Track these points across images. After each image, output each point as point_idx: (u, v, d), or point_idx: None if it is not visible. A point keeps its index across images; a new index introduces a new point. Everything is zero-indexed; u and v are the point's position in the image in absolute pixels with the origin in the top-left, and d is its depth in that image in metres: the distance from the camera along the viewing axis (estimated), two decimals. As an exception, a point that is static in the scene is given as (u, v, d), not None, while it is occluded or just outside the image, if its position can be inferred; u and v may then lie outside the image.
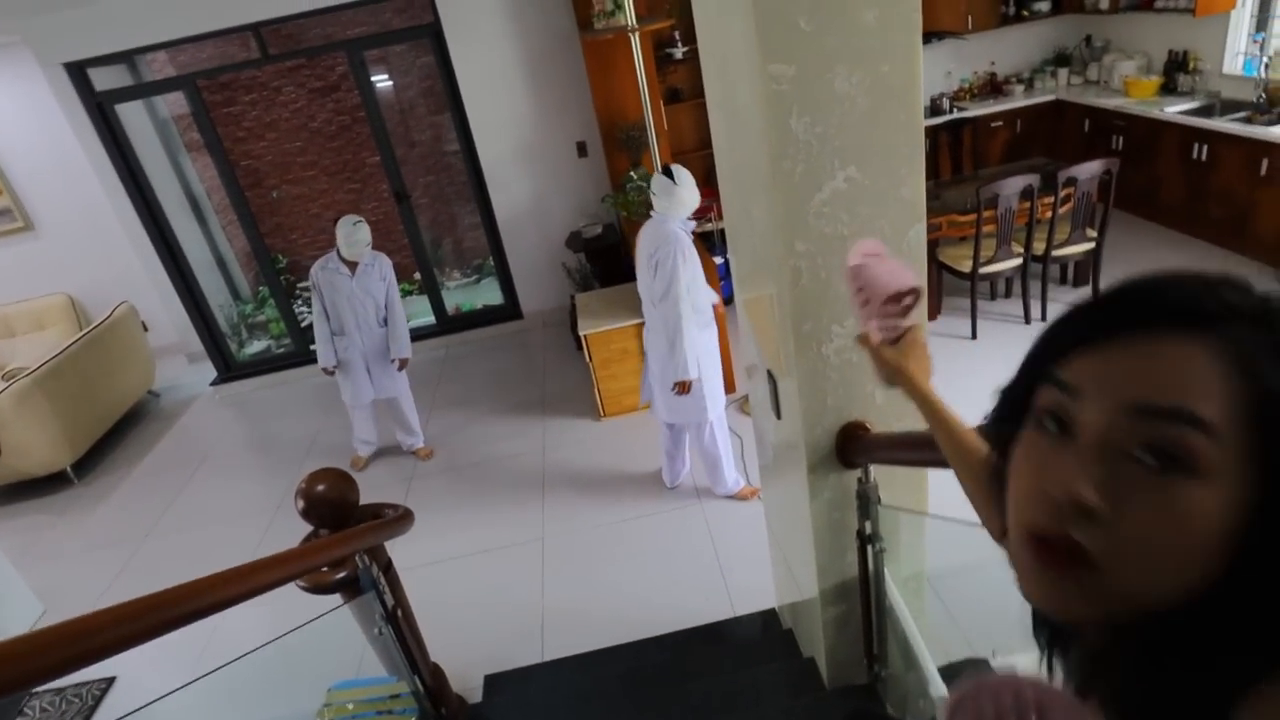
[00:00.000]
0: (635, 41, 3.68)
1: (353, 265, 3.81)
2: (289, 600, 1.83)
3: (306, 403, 5.25)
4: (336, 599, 2.21)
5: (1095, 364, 0.46)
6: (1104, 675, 0.49)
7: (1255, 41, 4.66)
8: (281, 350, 5.78)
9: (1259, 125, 4.30)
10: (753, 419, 2.50)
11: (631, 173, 4.56)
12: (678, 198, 3.06)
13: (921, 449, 1.34)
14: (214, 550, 3.80)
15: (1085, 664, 0.52)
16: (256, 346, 5.97)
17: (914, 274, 1.03)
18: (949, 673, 1.57)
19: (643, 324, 4.01)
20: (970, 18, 5.76)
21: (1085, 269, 4.48)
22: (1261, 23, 4.62)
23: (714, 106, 1.82)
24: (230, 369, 5.62)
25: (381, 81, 6.33)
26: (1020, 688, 0.54)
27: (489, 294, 6.01)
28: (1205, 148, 4.59)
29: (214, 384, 5.57)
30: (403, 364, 4.05)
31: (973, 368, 3.97)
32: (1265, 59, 4.56)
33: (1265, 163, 4.20)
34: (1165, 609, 0.44)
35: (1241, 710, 0.41)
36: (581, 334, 4.07)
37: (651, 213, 3.18)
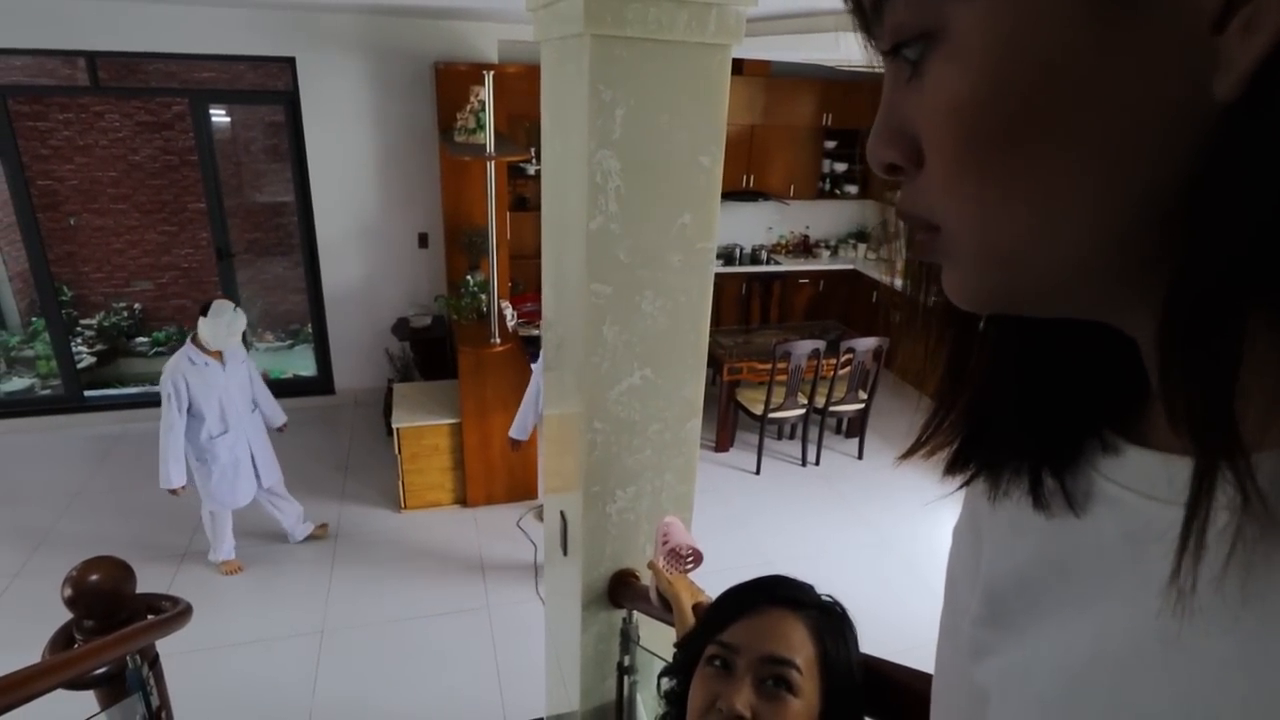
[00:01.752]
0: (490, 168, 3.99)
1: (216, 355, 3.46)
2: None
3: (71, 455, 4.76)
4: (84, 697, 2.10)
5: (745, 629, 0.81)
6: None
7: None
8: (48, 391, 5.20)
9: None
10: (544, 544, 2.74)
11: (469, 276, 4.79)
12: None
13: (669, 613, 1.66)
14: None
15: None
16: (17, 384, 5.33)
17: (699, 545, 1.51)
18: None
19: (456, 425, 4.19)
20: (793, 186, 6.75)
21: (856, 423, 5.25)
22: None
23: (547, 268, 2.12)
24: (-25, 405, 4.97)
25: (221, 128, 6.14)
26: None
27: (301, 363, 5.85)
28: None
29: (-51, 420, 4.89)
30: (283, 428, 3.88)
31: (754, 500, 4.49)
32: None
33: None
34: None
35: None
36: (395, 425, 4.13)
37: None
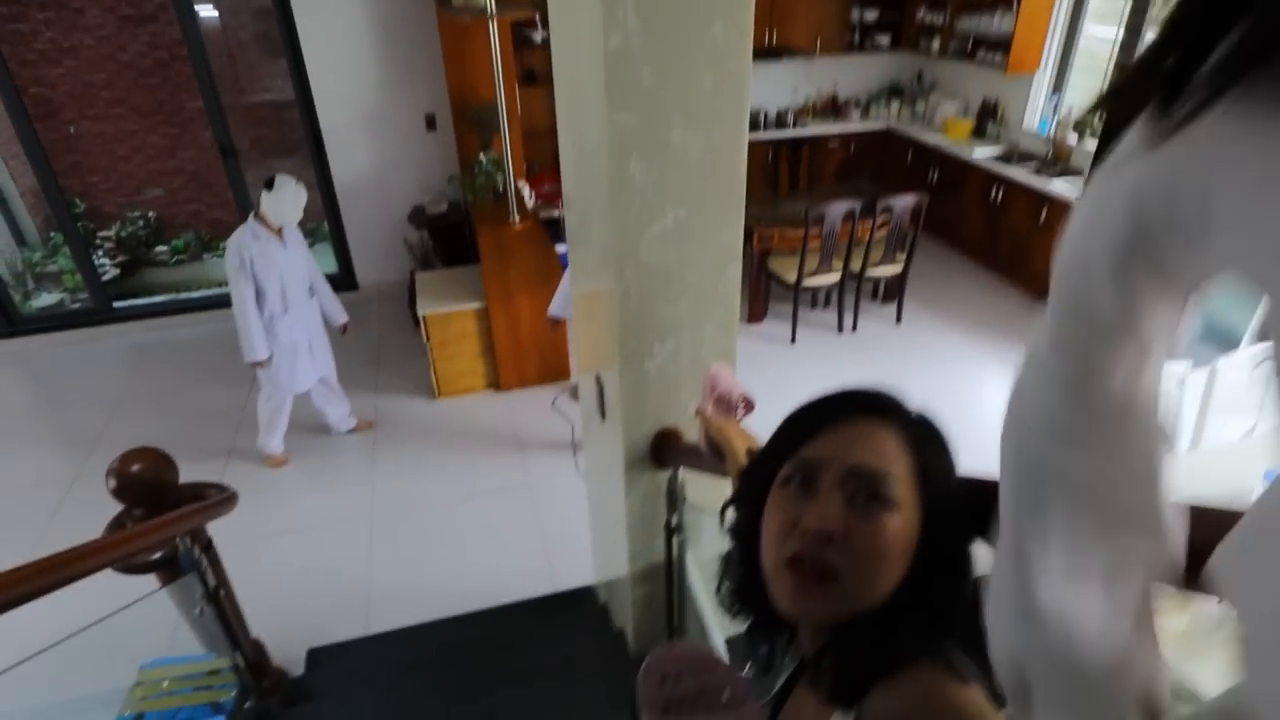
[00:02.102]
0: (493, 28, 3.70)
1: (277, 232, 3.39)
2: (95, 579, 1.78)
3: (108, 365, 4.81)
4: (149, 579, 2.15)
5: (829, 442, 0.70)
6: (820, 666, 0.72)
7: (1050, 102, 5.32)
8: (78, 305, 5.21)
9: (1043, 178, 4.88)
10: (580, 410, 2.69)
11: (481, 155, 4.57)
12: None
13: (721, 462, 1.58)
14: (-11, 528, 3.45)
15: (809, 662, 0.74)
16: (46, 300, 5.33)
17: (750, 393, 1.41)
18: (733, 644, 1.85)
19: (482, 309, 4.11)
20: (820, 40, 6.26)
21: (894, 287, 5.06)
22: (1058, 86, 5.30)
23: (563, 131, 1.95)
24: (13, 324, 4.99)
25: (208, 17, 5.80)
26: (684, 652, 0.79)
27: (322, 261, 5.71)
28: (1001, 192, 5.22)
29: (-12, 338, 4.95)
30: (344, 329, 3.81)
31: (790, 368, 4.42)
32: (1056, 119, 5.20)
33: (1044, 211, 4.85)
34: (871, 610, 0.66)
35: (876, 688, 0.64)
36: (420, 314, 4.06)
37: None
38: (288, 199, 3.31)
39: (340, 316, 3.79)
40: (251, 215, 3.37)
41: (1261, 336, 3.11)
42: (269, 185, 3.30)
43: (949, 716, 0.60)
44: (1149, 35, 4.27)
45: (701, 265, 1.69)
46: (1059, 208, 4.75)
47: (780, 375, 4.39)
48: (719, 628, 1.88)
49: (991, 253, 5.50)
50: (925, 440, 0.71)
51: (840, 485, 0.67)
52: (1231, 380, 2.78)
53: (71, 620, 1.71)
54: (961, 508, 0.70)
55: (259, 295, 3.37)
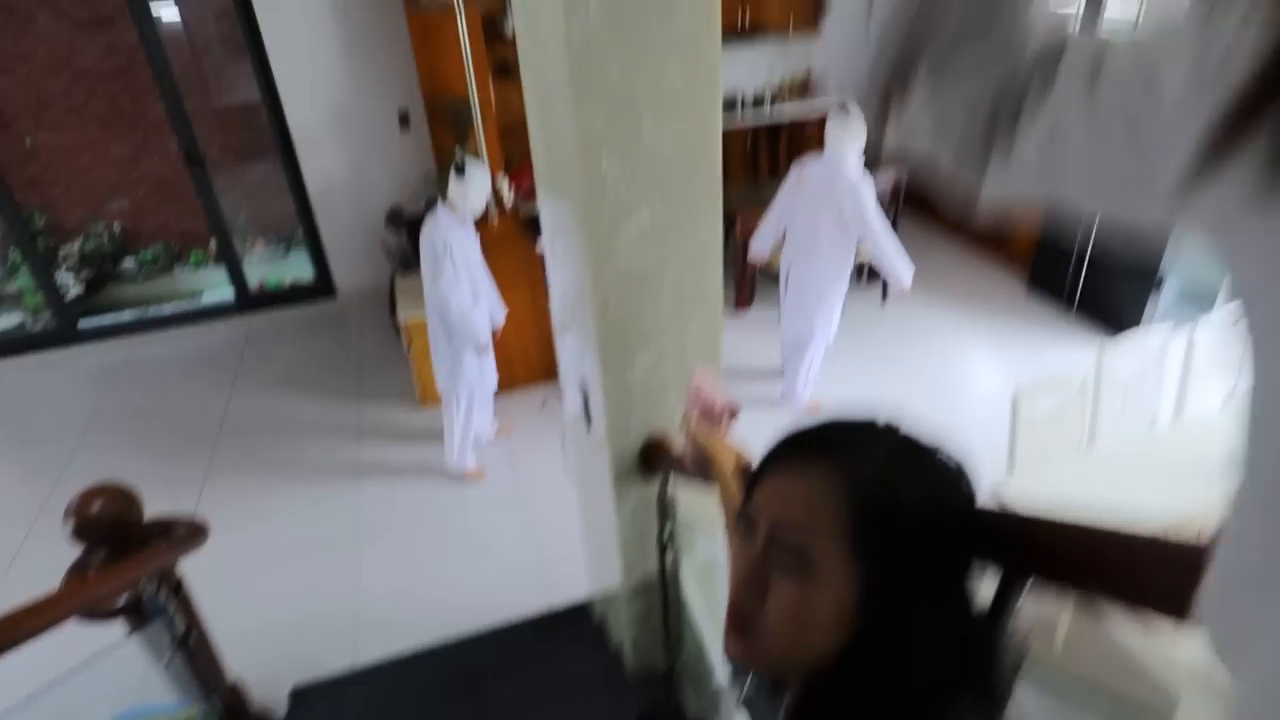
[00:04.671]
0: (462, 22, 3.57)
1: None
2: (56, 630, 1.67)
3: (74, 389, 4.66)
4: (117, 627, 2.04)
5: (767, 490, 0.63)
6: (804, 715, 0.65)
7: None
8: (40, 327, 5.04)
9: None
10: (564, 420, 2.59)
11: (457, 152, 4.43)
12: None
13: (709, 475, 1.48)
14: (-46, 565, 3.31)
15: (790, 711, 0.66)
16: (5, 322, 5.16)
17: (735, 399, 1.34)
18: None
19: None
20: (793, 18, 6.12)
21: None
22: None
23: (534, 126, 1.84)
24: (-30, 348, 4.83)
25: (168, 21, 5.61)
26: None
27: (298, 269, 5.60)
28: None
29: (-55, 363, 4.78)
30: (496, 333, 3.53)
31: (779, 357, 4.32)
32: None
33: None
34: (824, 665, 0.60)
35: None
36: (401, 322, 3.94)
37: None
38: (477, 184, 3.07)
39: (500, 317, 3.51)
40: (440, 202, 3.15)
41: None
42: (459, 170, 3.05)
43: None
44: (1110, 7, 4.20)
45: (682, 264, 1.59)
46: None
47: (770, 363, 4.30)
48: (717, 642, 1.79)
49: (969, 227, 5.47)
50: (882, 489, 0.59)
51: (767, 539, 0.61)
52: (1211, 341, 2.78)
53: (34, 674, 1.60)
54: (925, 559, 0.59)
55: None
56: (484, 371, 3.45)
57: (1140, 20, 4.04)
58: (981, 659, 0.61)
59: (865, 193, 3.32)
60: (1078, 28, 0.42)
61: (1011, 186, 0.44)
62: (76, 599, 1.60)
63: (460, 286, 3.12)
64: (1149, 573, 0.64)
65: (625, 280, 1.56)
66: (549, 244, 2.07)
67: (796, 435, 0.65)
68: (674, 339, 1.68)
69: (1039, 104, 0.41)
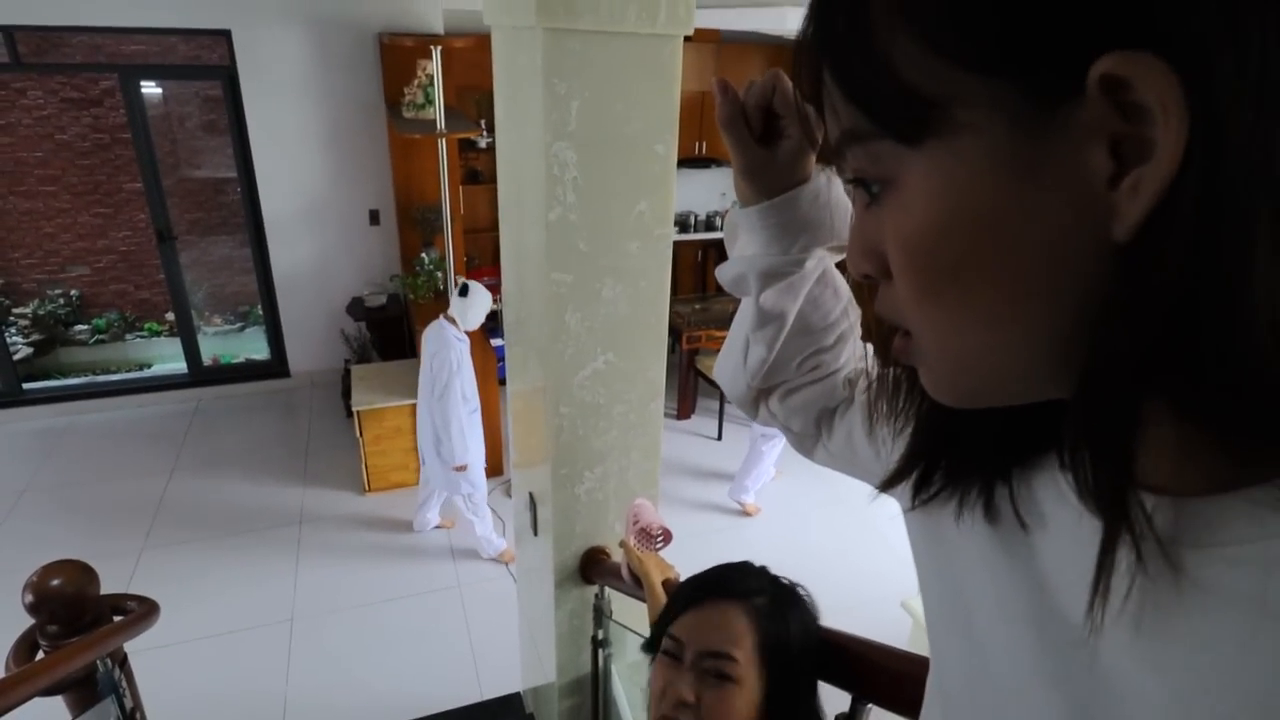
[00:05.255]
0: (442, 146, 3.92)
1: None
2: None
3: (13, 452, 4.60)
4: (53, 703, 2.08)
5: (690, 623, 0.87)
6: None
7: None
8: (-17, 387, 5.00)
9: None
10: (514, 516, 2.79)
11: (423, 254, 4.72)
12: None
13: (640, 589, 1.71)
14: None
15: None
16: (-52, 381, 5.10)
17: (668, 525, 1.57)
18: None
19: (416, 405, 4.18)
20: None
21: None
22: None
23: (505, 241, 2.11)
24: (-93, 404, 4.76)
25: (154, 102, 5.87)
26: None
27: (253, 346, 5.72)
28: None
29: (-120, 419, 4.69)
30: None
31: (716, 463, 4.59)
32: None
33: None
34: None
35: None
36: (355, 408, 4.10)
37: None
38: (480, 307, 3.47)
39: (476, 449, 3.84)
40: (442, 317, 3.49)
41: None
42: (463, 292, 3.44)
43: None
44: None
45: (628, 400, 1.87)
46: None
47: (708, 471, 4.56)
48: (639, 742, 1.97)
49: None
50: (774, 615, 0.87)
51: (694, 663, 0.83)
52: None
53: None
54: (805, 669, 0.87)
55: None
56: (479, 465, 3.71)
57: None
58: None
59: None
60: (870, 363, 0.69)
61: (830, 462, 0.70)
62: (37, 678, 1.69)
63: (460, 401, 3.47)
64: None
65: (579, 412, 1.82)
66: (512, 377, 2.34)
67: (700, 580, 0.91)
68: (617, 463, 1.94)
69: (843, 416, 0.66)
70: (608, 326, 1.76)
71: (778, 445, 4.11)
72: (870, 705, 0.90)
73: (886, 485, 0.48)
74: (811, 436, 0.69)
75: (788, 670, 0.85)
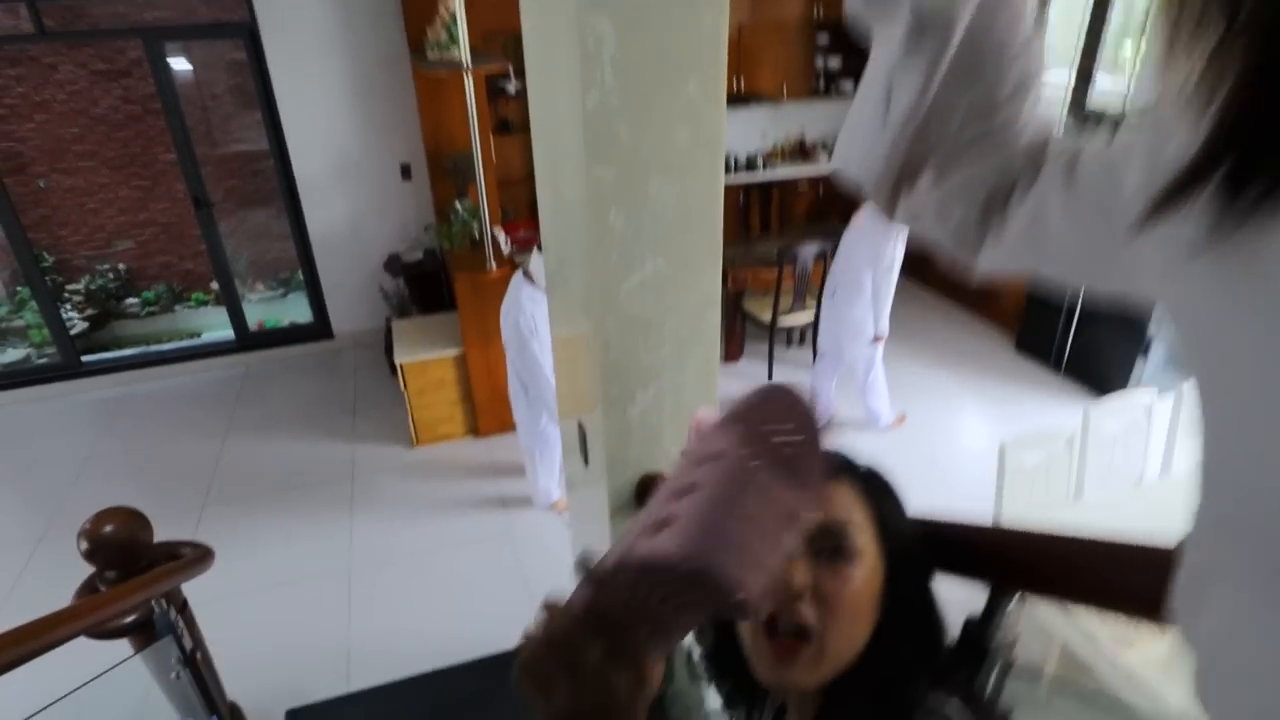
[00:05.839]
0: (469, 82, 3.78)
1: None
2: (63, 646, 1.72)
3: (75, 421, 4.70)
4: (121, 645, 2.08)
5: None
6: None
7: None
8: (44, 360, 5.11)
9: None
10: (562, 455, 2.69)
11: (456, 203, 4.61)
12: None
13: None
14: (-53, 593, 3.32)
15: None
16: (11, 355, 5.23)
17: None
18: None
19: (460, 356, 4.10)
20: (786, 87, 6.46)
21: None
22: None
23: (542, 181, 1.99)
24: (-26, 380, 4.88)
25: (182, 72, 5.84)
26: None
27: (297, 310, 5.72)
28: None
29: (-53, 395, 4.82)
30: None
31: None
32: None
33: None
34: (851, 668, 0.68)
35: None
36: (398, 362, 4.05)
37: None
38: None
39: None
40: (520, 273, 3.32)
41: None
42: (541, 247, 3.27)
43: None
44: (1099, 80, 4.48)
45: (681, 312, 1.72)
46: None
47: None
48: (703, 670, 1.87)
49: (961, 288, 5.64)
50: (878, 491, 0.74)
51: (806, 544, 0.69)
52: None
53: (39, 691, 1.65)
54: (919, 548, 0.73)
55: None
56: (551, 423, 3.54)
57: (1128, 95, 4.27)
58: (973, 658, 0.73)
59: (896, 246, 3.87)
60: (1065, 111, 0.52)
61: (1002, 262, 0.53)
62: (94, 611, 1.66)
63: (548, 358, 3.27)
64: (1122, 576, 0.74)
65: (627, 325, 1.69)
66: (550, 296, 2.21)
67: None
68: (672, 381, 1.80)
69: (1026, 193, 0.49)
70: (656, 227, 1.61)
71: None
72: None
73: (1173, 194, 0.35)
74: (975, 229, 0.53)
75: (905, 551, 0.71)
